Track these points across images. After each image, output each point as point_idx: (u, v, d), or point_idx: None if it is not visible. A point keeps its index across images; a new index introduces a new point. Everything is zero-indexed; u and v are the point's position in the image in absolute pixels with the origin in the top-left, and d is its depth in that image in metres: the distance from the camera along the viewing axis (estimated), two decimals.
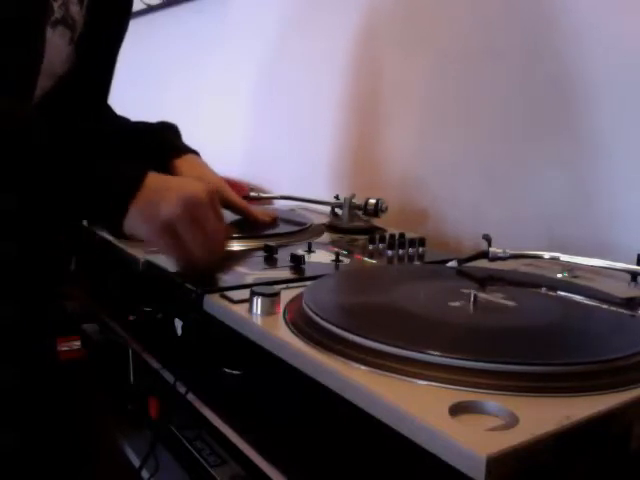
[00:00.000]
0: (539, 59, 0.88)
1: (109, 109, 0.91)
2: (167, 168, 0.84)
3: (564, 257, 0.68)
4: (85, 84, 0.74)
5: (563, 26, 0.85)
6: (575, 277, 0.69)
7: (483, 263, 0.71)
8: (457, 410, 0.38)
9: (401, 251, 0.80)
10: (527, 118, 0.90)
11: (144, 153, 0.82)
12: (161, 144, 0.87)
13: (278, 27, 1.45)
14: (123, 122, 0.90)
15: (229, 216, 0.86)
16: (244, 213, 0.89)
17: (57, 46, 0.68)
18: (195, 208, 0.62)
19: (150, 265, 0.69)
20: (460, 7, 0.99)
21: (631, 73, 0.77)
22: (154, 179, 0.63)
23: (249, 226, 0.88)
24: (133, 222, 0.62)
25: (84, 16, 0.71)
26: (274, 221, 0.92)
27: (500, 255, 0.70)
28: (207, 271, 0.64)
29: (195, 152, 0.89)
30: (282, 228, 0.89)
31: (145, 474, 0.68)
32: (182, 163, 0.85)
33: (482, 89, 0.96)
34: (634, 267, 0.66)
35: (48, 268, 0.83)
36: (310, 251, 0.77)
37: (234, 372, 0.56)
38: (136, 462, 0.75)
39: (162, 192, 0.62)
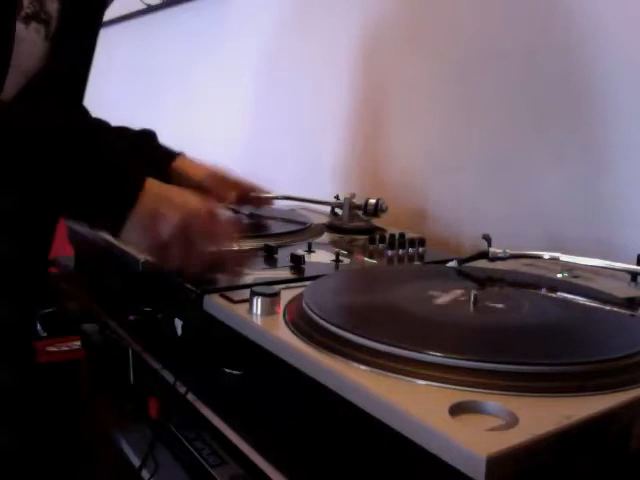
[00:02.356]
0: (540, 59, 0.88)
1: (86, 112, 0.89)
2: (165, 173, 0.84)
3: (564, 257, 0.68)
4: (60, 82, 0.73)
5: (566, 27, 0.85)
6: (575, 277, 0.69)
7: (483, 263, 0.71)
8: (457, 410, 0.38)
9: (401, 251, 0.80)
10: (528, 118, 0.90)
11: (138, 160, 0.82)
12: (153, 150, 0.88)
13: (278, 27, 1.45)
14: (105, 126, 0.90)
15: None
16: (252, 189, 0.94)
17: (31, 42, 0.67)
18: (193, 227, 0.62)
19: (150, 265, 0.69)
20: (462, 7, 0.99)
21: (635, 72, 0.77)
22: (153, 184, 0.64)
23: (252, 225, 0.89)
24: (132, 229, 0.62)
25: (59, 11, 0.70)
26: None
27: (500, 255, 0.70)
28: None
29: (181, 153, 0.91)
30: (282, 228, 0.89)
31: (145, 474, 0.68)
32: (182, 164, 0.86)
33: (483, 89, 0.96)
34: (634, 267, 0.66)
35: (46, 268, 0.83)
36: (310, 251, 0.77)
37: (234, 372, 0.56)
38: (136, 462, 0.75)
39: (164, 203, 0.62)
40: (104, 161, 0.63)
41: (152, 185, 0.63)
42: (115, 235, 0.64)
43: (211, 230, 0.65)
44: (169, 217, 0.62)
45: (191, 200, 0.65)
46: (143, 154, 0.86)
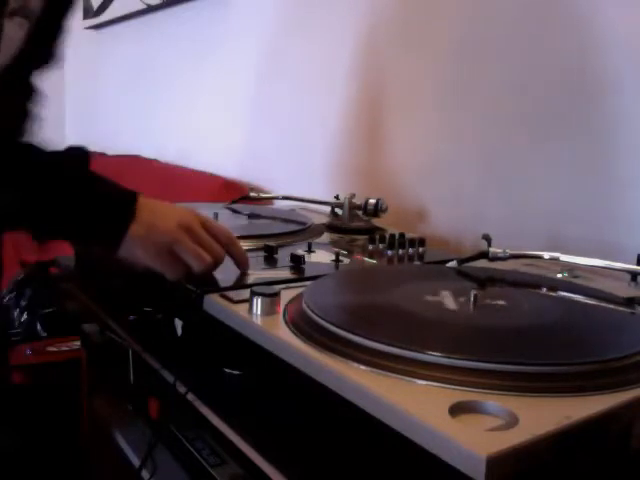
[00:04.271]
0: (543, 57, 0.88)
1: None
2: None
3: (564, 257, 0.68)
4: (28, 72, 0.72)
5: (569, 23, 0.85)
6: (575, 277, 0.69)
7: (483, 263, 0.71)
8: (457, 410, 0.38)
9: (401, 251, 0.80)
10: (529, 118, 0.90)
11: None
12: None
13: (278, 27, 1.45)
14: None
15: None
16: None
17: (11, 37, 0.66)
18: (192, 229, 0.63)
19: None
20: (462, 5, 0.99)
21: (636, 74, 0.77)
22: (146, 200, 0.64)
23: None
24: (131, 246, 0.62)
25: (42, 7, 0.69)
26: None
27: (500, 255, 0.70)
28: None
29: None
30: (282, 228, 0.89)
31: (145, 474, 0.68)
32: None
33: (484, 88, 0.96)
34: (634, 267, 0.66)
35: None
36: (310, 251, 0.77)
37: (234, 372, 0.56)
38: (136, 462, 0.75)
39: (158, 214, 0.62)
40: (99, 178, 0.63)
41: (146, 201, 0.64)
42: (112, 253, 0.64)
43: (205, 240, 0.64)
44: (165, 225, 0.62)
45: (182, 209, 0.65)
46: None
